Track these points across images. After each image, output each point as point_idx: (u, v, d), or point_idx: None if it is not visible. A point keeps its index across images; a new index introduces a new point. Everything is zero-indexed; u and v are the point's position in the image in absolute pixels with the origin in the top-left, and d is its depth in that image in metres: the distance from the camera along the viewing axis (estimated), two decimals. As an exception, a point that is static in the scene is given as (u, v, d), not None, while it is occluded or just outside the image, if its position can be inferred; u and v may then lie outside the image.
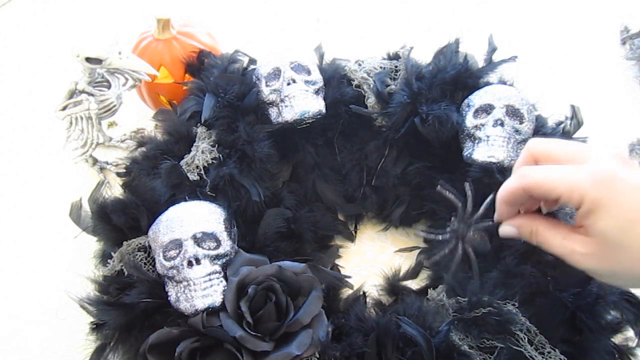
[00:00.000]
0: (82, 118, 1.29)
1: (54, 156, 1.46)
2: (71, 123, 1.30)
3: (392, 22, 1.86)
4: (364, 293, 1.08)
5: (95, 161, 1.40)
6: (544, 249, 0.71)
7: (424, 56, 1.23)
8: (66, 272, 1.17)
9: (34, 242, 1.30)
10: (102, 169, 1.42)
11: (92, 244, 1.05)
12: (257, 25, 1.88)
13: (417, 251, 1.20)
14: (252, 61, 1.30)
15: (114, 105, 1.30)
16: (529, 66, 1.39)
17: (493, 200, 0.79)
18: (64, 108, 1.28)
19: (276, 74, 1.15)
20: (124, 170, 1.16)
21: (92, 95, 1.27)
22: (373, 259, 1.23)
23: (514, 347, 0.85)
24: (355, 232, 1.27)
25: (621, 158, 0.65)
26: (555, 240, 0.68)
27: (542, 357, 0.84)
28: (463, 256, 0.83)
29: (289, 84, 1.13)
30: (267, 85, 1.15)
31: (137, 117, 1.55)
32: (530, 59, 1.53)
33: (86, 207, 1.03)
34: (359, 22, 1.87)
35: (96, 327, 0.95)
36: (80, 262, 1.07)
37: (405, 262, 1.20)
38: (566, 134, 1.12)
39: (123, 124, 1.54)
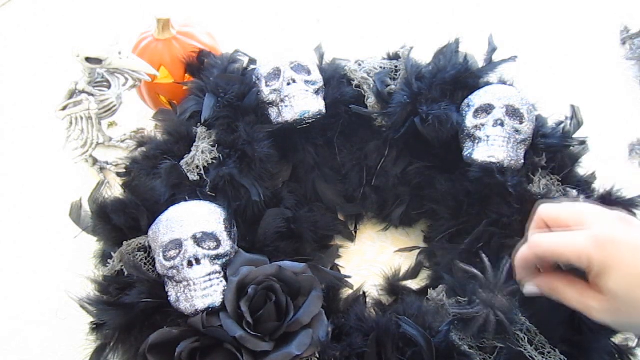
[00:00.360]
0: (82, 118, 1.29)
1: (54, 156, 1.46)
2: (71, 123, 1.30)
3: (392, 22, 1.86)
4: (364, 293, 1.08)
5: (95, 161, 1.40)
6: (564, 303, 0.75)
7: (424, 56, 1.23)
8: (66, 272, 1.17)
9: (34, 242, 1.30)
10: (102, 169, 1.42)
11: (92, 244, 1.05)
12: (257, 25, 1.88)
13: (417, 251, 1.20)
14: (252, 61, 1.30)
15: (114, 105, 1.30)
16: (529, 66, 1.39)
17: (508, 263, 0.86)
18: (64, 108, 1.27)
19: (276, 74, 1.15)
20: (124, 170, 1.16)
21: (92, 95, 1.27)
22: (373, 259, 1.23)
23: (514, 347, 0.85)
24: (355, 232, 1.27)
25: (621, 219, 0.71)
26: (573, 297, 0.73)
27: (542, 357, 0.84)
28: (497, 324, 0.84)
29: (289, 84, 1.13)
30: (267, 85, 1.15)
31: (137, 117, 1.55)
32: (530, 59, 1.54)
33: (86, 207, 1.03)
34: (359, 22, 1.87)
35: (96, 327, 0.94)
36: (80, 262, 1.07)
37: (405, 262, 1.20)
38: (566, 134, 1.12)
39: (123, 124, 1.54)
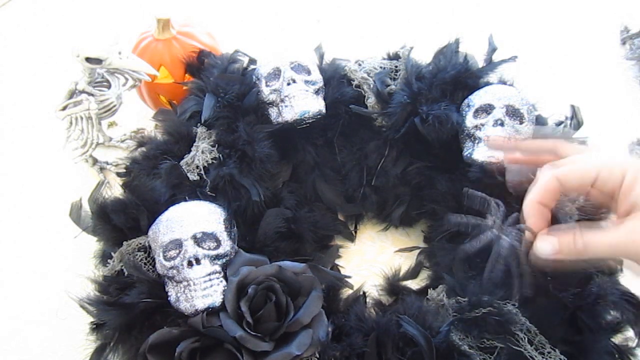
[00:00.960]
0: (82, 118, 1.29)
1: (54, 156, 1.46)
2: (71, 123, 1.30)
3: (392, 22, 1.86)
4: (364, 293, 1.08)
5: (95, 161, 1.41)
6: (592, 255, 0.65)
7: (424, 56, 1.23)
8: (66, 272, 1.17)
9: (34, 242, 1.30)
10: (102, 169, 1.42)
11: (92, 244, 1.05)
12: (257, 25, 1.88)
13: (417, 251, 1.20)
14: (252, 61, 1.30)
15: (114, 105, 1.30)
16: (529, 66, 1.39)
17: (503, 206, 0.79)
18: (64, 108, 1.28)
19: (276, 74, 1.15)
20: (124, 170, 1.16)
21: (92, 95, 1.27)
22: (373, 259, 1.23)
23: (514, 347, 0.85)
24: (355, 232, 1.27)
25: None
26: (615, 235, 0.63)
27: (542, 357, 0.84)
28: (508, 250, 0.80)
29: (289, 84, 1.13)
30: (267, 85, 1.15)
31: (137, 117, 1.55)
32: (530, 59, 1.53)
33: (86, 207, 1.03)
34: (358, 22, 1.87)
35: (96, 327, 0.95)
36: (80, 262, 1.07)
37: (405, 262, 1.20)
38: (566, 134, 1.12)
39: (123, 124, 1.54)
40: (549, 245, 0.68)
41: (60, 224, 1.24)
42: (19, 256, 1.28)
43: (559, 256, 0.67)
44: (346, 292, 1.05)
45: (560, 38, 1.74)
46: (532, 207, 0.70)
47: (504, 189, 1.02)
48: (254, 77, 1.18)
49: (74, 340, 1.04)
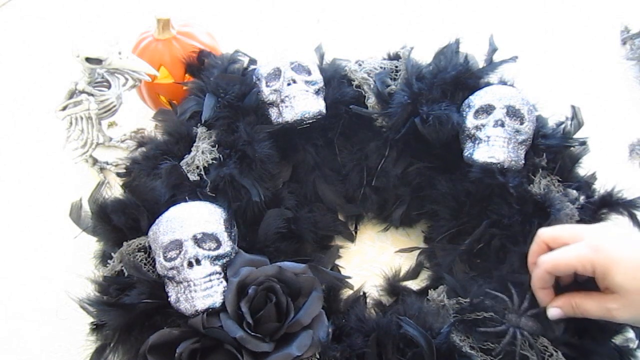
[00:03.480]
0: (82, 118, 1.29)
1: (54, 156, 1.46)
2: (71, 123, 1.30)
3: (392, 22, 1.86)
4: (364, 293, 1.08)
5: (95, 161, 1.40)
6: (587, 316, 0.82)
7: (424, 56, 1.23)
8: (66, 272, 1.17)
9: (34, 242, 1.30)
10: (102, 169, 1.42)
11: (92, 244, 1.05)
12: (257, 25, 1.88)
13: (417, 252, 1.20)
14: (252, 61, 1.30)
15: (114, 105, 1.30)
16: (529, 66, 1.39)
17: (530, 293, 0.90)
18: (64, 108, 1.27)
19: (276, 74, 1.15)
20: (124, 171, 1.16)
21: (92, 95, 1.26)
22: (373, 259, 1.23)
23: (516, 349, 0.85)
24: (356, 233, 1.27)
25: (611, 228, 0.87)
26: (593, 306, 0.80)
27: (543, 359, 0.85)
28: (522, 342, 0.85)
29: (289, 84, 1.13)
30: (267, 86, 1.15)
31: (137, 117, 1.54)
32: (530, 59, 1.54)
33: (86, 207, 1.03)
34: (359, 22, 1.87)
35: (96, 328, 0.95)
36: (80, 262, 1.07)
37: (406, 263, 1.20)
38: (567, 135, 1.12)
39: (123, 124, 1.54)
40: (556, 312, 0.85)
41: (60, 224, 1.24)
42: (19, 256, 1.28)
43: (564, 316, 0.85)
44: (346, 293, 1.05)
45: (560, 38, 1.74)
46: (537, 292, 0.87)
47: (505, 189, 1.02)
48: (254, 77, 1.18)
49: (74, 340, 1.05)
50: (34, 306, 1.18)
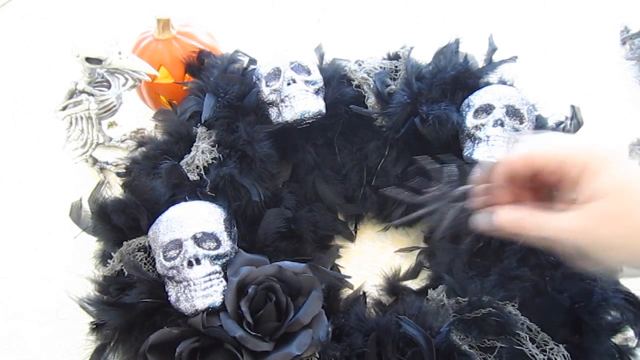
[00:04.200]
0: (82, 118, 1.29)
1: (54, 156, 1.46)
2: (71, 123, 1.30)
3: (392, 22, 1.86)
4: (364, 293, 1.08)
5: (95, 161, 1.40)
6: (543, 236, 0.63)
7: (424, 56, 1.23)
8: (66, 272, 1.17)
9: (34, 242, 1.30)
10: (102, 169, 1.42)
11: (92, 244, 1.06)
12: (257, 25, 1.88)
13: (417, 251, 1.20)
14: (252, 61, 1.30)
15: (114, 105, 1.30)
16: (529, 66, 1.39)
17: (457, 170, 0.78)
18: (64, 108, 1.27)
19: (276, 74, 1.16)
20: (124, 170, 1.16)
21: (92, 95, 1.26)
22: (373, 259, 1.23)
23: (516, 346, 0.85)
24: (355, 232, 1.27)
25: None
26: (560, 221, 0.62)
27: (544, 355, 0.84)
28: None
29: (289, 84, 1.13)
30: (267, 85, 1.15)
31: (137, 117, 1.54)
32: (530, 59, 1.54)
33: (86, 207, 1.03)
34: (359, 22, 1.87)
35: (96, 327, 0.95)
36: (80, 262, 1.07)
37: (405, 262, 1.20)
38: (566, 134, 1.12)
39: (123, 124, 1.54)
40: (486, 219, 0.68)
41: (60, 224, 1.24)
42: (19, 256, 1.28)
43: (501, 230, 0.67)
44: (346, 292, 1.05)
45: (560, 38, 1.74)
46: (499, 178, 0.68)
47: None
48: (254, 77, 1.18)
49: (74, 340, 1.04)
50: (34, 306, 1.18)
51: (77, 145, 1.34)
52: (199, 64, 1.30)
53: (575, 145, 0.63)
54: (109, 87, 1.29)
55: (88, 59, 1.20)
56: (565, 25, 1.78)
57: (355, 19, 1.89)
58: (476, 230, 0.70)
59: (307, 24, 1.88)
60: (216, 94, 1.14)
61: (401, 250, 1.23)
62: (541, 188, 0.69)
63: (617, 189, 0.59)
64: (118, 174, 1.24)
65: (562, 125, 1.13)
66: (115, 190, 1.12)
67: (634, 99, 1.56)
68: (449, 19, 1.85)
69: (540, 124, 1.10)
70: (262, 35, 1.84)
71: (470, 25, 1.77)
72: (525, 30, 1.76)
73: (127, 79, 1.32)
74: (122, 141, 1.45)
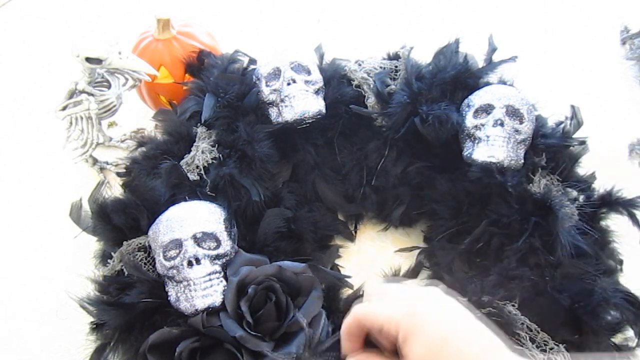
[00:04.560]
0: (82, 118, 1.29)
1: (54, 156, 1.46)
2: (71, 123, 1.30)
3: (392, 22, 1.86)
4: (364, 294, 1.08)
5: (95, 161, 1.40)
6: None
7: (424, 56, 1.23)
8: (66, 272, 1.17)
9: (34, 242, 1.30)
10: (102, 169, 1.42)
11: (92, 244, 1.06)
12: (257, 25, 1.88)
13: (417, 251, 1.20)
14: (252, 61, 1.30)
15: (114, 105, 1.30)
16: (529, 66, 1.39)
17: (338, 334, 0.80)
18: (64, 108, 1.27)
19: (276, 74, 1.16)
20: (124, 170, 1.16)
21: (92, 95, 1.26)
22: (373, 259, 1.23)
23: (516, 346, 0.85)
24: (355, 232, 1.27)
25: (432, 295, 0.71)
26: None
27: (544, 355, 0.85)
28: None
29: (289, 84, 1.13)
30: (267, 85, 1.15)
31: (137, 117, 1.55)
32: (530, 59, 1.54)
33: (86, 207, 1.03)
34: (359, 22, 1.87)
35: (96, 327, 0.95)
36: (80, 263, 1.07)
37: (405, 262, 1.20)
38: (566, 134, 1.12)
39: (123, 124, 1.54)
40: None
41: (60, 224, 1.24)
42: (19, 256, 1.28)
43: None
44: (346, 292, 1.05)
45: (560, 38, 1.74)
46: (343, 337, 0.75)
47: (504, 189, 1.03)
48: (254, 77, 1.18)
49: (74, 340, 1.04)
50: (34, 306, 1.18)
51: (77, 145, 1.34)
52: (199, 64, 1.30)
53: (395, 309, 0.68)
54: (109, 87, 1.29)
55: (88, 59, 1.20)
56: (565, 25, 1.78)
57: (355, 19, 1.89)
58: None
59: (307, 24, 1.88)
60: (216, 94, 1.14)
61: (401, 250, 1.23)
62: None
63: (429, 357, 0.63)
64: (118, 174, 1.24)
65: (562, 125, 1.13)
66: (115, 190, 1.12)
67: (634, 99, 1.56)
68: (449, 19, 1.85)
69: (540, 124, 1.11)
70: (262, 35, 1.84)
71: (470, 25, 1.77)
72: (525, 30, 1.76)
73: (127, 79, 1.32)
74: (122, 141, 1.45)
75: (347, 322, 0.73)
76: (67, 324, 1.13)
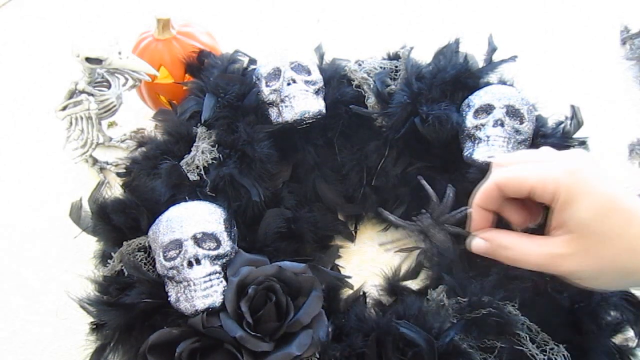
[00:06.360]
0: (82, 118, 1.29)
1: (54, 156, 1.46)
2: (71, 123, 1.30)
3: (393, 22, 1.86)
4: (364, 293, 1.08)
5: (95, 161, 1.40)
6: (518, 264, 0.67)
7: (424, 56, 1.23)
8: (66, 273, 1.17)
9: (34, 242, 1.30)
10: (102, 169, 1.41)
11: (92, 244, 1.06)
12: (257, 25, 1.88)
13: (417, 251, 1.20)
14: (252, 61, 1.30)
15: (114, 105, 1.30)
16: (529, 66, 1.39)
17: (452, 192, 0.77)
18: (64, 108, 1.27)
19: (276, 74, 1.16)
20: (124, 170, 1.16)
21: (92, 95, 1.27)
22: (373, 259, 1.23)
23: (516, 346, 0.85)
24: (355, 233, 1.27)
25: (587, 155, 0.65)
26: (532, 248, 0.65)
27: (545, 355, 0.85)
28: (426, 250, 0.81)
29: (289, 84, 1.13)
30: (267, 86, 1.15)
31: (137, 117, 1.55)
32: (530, 59, 1.54)
33: (86, 207, 1.03)
34: (359, 22, 1.87)
35: (96, 328, 0.95)
36: (80, 263, 1.07)
37: (405, 262, 1.20)
38: (566, 134, 1.12)
39: (123, 124, 1.54)
40: (478, 244, 0.73)
41: (60, 224, 1.24)
42: (19, 256, 1.28)
43: (487, 254, 0.71)
44: (346, 293, 1.05)
45: (560, 38, 1.74)
46: (474, 209, 0.72)
47: None
48: (254, 77, 1.18)
49: (74, 341, 1.05)
50: (34, 306, 1.19)
51: (77, 145, 1.34)
52: (199, 64, 1.30)
53: (545, 171, 0.63)
54: (109, 87, 1.29)
55: (88, 59, 1.20)
56: (565, 25, 1.78)
57: (355, 19, 1.89)
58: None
59: (307, 24, 1.88)
60: (216, 94, 1.14)
61: (401, 250, 1.22)
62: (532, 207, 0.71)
63: (583, 226, 0.60)
64: (118, 174, 1.24)
65: (562, 125, 1.13)
66: (115, 190, 1.12)
67: (633, 99, 1.56)
68: (449, 19, 1.85)
69: (540, 124, 1.11)
70: (262, 35, 1.84)
71: (470, 25, 1.77)
72: (525, 30, 1.76)
73: (127, 79, 1.32)
74: (122, 141, 1.45)
75: (484, 191, 0.69)
76: (67, 324, 1.13)
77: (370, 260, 1.23)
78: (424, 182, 0.86)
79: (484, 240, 0.71)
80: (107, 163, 1.42)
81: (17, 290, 1.22)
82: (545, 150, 0.68)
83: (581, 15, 1.81)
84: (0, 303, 1.20)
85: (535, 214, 0.72)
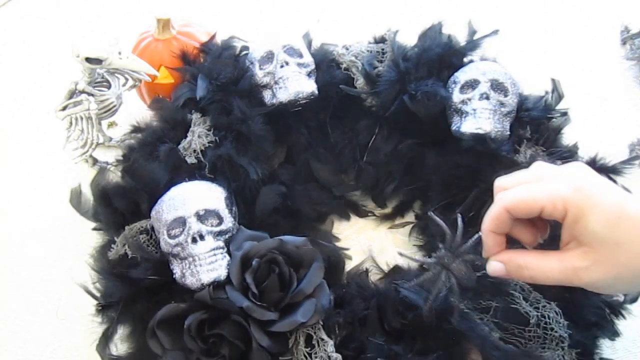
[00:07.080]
0: (82, 118, 1.30)
1: (54, 156, 1.47)
2: (71, 123, 1.31)
3: (393, 23, 1.85)
4: (367, 269, 1.11)
5: (95, 161, 1.41)
6: (539, 282, 0.69)
7: (409, 42, 1.26)
8: (66, 273, 1.16)
9: (34, 242, 1.31)
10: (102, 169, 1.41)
11: (92, 244, 1.06)
12: (257, 25, 1.89)
13: (416, 250, 1.23)
14: (245, 48, 1.32)
15: (114, 105, 1.31)
16: (529, 66, 1.41)
17: (478, 235, 0.77)
18: (64, 108, 1.28)
19: (269, 57, 1.19)
20: (122, 157, 1.16)
21: (92, 95, 1.28)
22: (371, 237, 1.26)
23: (511, 305, 0.88)
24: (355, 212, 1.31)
25: (585, 167, 0.68)
26: (553, 266, 0.66)
27: (537, 311, 0.88)
28: (446, 285, 0.82)
29: (282, 66, 1.17)
30: (260, 69, 1.18)
31: (137, 117, 1.54)
32: (530, 59, 1.55)
33: (86, 193, 1.04)
34: (359, 22, 1.89)
35: (102, 309, 0.95)
36: (80, 263, 1.06)
37: (405, 263, 1.19)
38: (548, 107, 1.17)
39: (123, 124, 1.53)
40: (497, 268, 0.72)
41: (60, 224, 1.26)
42: (19, 256, 1.28)
43: (506, 276, 0.72)
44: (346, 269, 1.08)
45: (560, 38, 1.75)
46: (486, 235, 0.73)
47: (493, 159, 1.08)
48: (247, 61, 1.22)
49: (74, 340, 1.04)
50: (34, 306, 1.19)
51: (77, 145, 1.35)
52: (195, 55, 1.33)
53: (552, 191, 0.65)
54: (109, 87, 1.30)
55: (88, 59, 1.21)
56: (565, 25, 1.79)
57: (355, 19, 1.90)
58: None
59: (307, 24, 1.88)
60: (210, 77, 1.17)
61: (394, 226, 1.27)
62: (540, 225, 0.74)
63: (595, 238, 0.63)
64: (116, 161, 1.23)
65: (544, 99, 1.19)
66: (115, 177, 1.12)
67: (633, 99, 1.56)
68: (449, 19, 1.86)
69: (524, 98, 1.16)
70: (262, 35, 1.84)
71: (469, 25, 1.78)
72: (525, 30, 1.77)
73: (127, 79, 1.34)
74: (122, 141, 1.44)
75: (492, 216, 0.70)
76: (67, 324, 1.13)
77: (368, 238, 1.26)
78: (435, 217, 0.86)
79: (501, 264, 0.72)
80: (107, 163, 1.42)
81: (17, 290, 1.22)
82: (541, 167, 0.71)
83: (581, 15, 1.83)
84: (0, 303, 1.20)
85: (542, 228, 0.74)
